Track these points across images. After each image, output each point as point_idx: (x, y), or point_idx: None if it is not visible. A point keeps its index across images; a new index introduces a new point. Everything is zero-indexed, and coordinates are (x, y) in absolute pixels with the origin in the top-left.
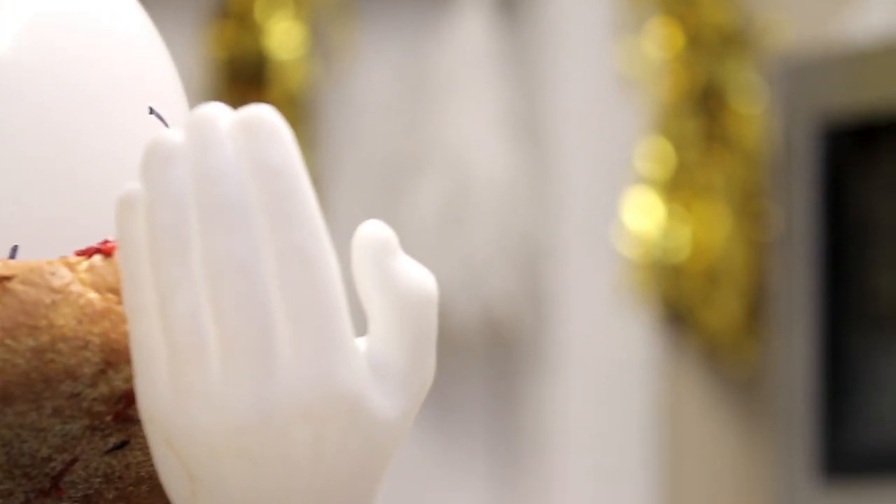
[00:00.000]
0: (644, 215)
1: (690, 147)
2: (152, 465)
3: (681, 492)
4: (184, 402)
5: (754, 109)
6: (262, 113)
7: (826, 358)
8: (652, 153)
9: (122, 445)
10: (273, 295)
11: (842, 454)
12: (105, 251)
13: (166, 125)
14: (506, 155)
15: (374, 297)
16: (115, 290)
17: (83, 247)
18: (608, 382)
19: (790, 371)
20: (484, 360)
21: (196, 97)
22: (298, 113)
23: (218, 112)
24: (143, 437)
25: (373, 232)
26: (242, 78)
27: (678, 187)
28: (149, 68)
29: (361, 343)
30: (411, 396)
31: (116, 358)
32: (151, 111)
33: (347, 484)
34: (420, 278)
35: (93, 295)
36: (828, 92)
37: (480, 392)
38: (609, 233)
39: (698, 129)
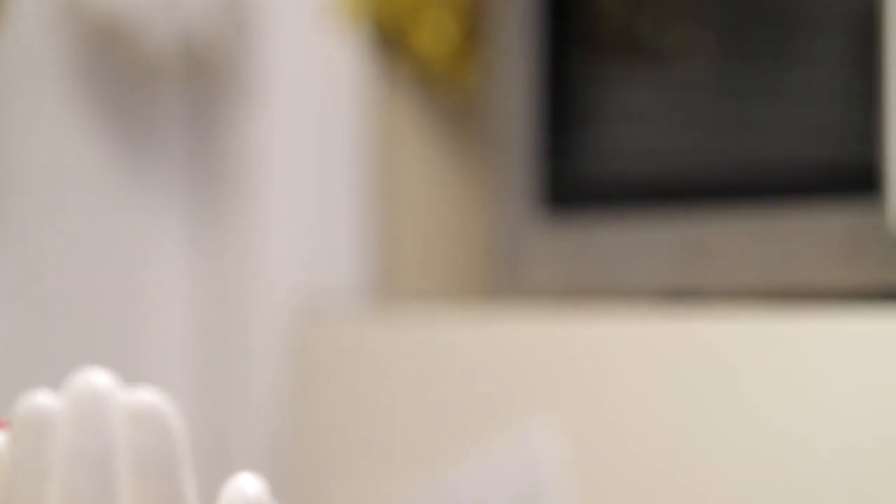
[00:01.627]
0: None
1: None
2: None
3: (395, 224)
4: None
5: None
6: (154, 404)
7: (548, 84)
8: None
9: None
10: None
11: (563, 185)
12: None
13: None
14: None
15: None
16: None
17: None
18: (316, 109)
19: (510, 98)
20: (182, 87)
21: None
22: None
23: (106, 389)
24: None
25: (242, 490)
26: None
27: None
28: None
29: None
30: None
31: None
32: None
33: None
34: None
35: None
36: None
37: (179, 121)
38: None
39: None
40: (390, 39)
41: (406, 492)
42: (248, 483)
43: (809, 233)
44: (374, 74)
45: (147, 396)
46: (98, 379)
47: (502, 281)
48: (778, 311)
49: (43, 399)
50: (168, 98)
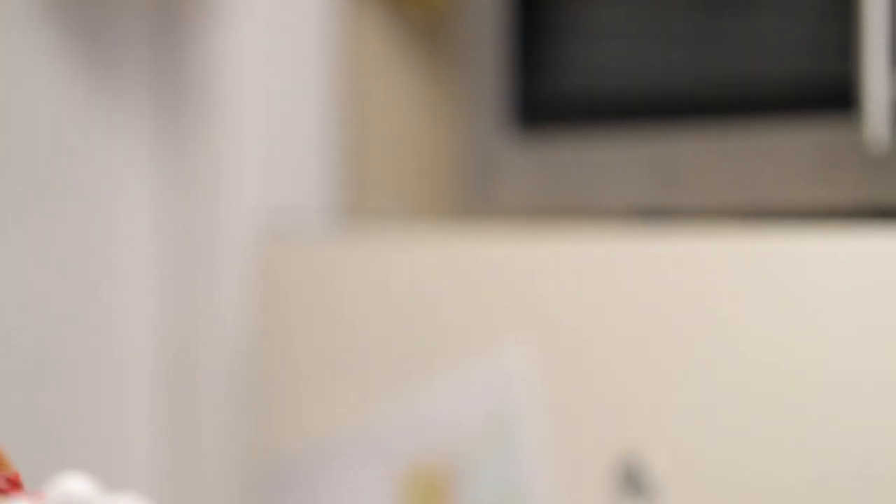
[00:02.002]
0: None
1: None
2: None
3: (364, 142)
4: None
5: None
6: None
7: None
8: None
9: None
10: None
11: (535, 102)
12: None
13: None
14: None
15: None
16: None
17: None
18: (284, 26)
19: (481, 14)
20: (147, 2)
21: None
22: None
23: (86, 499)
24: None
25: None
26: None
27: None
28: None
29: None
30: None
31: None
32: None
33: None
34: None
35: None
36: None
37: (143, 38)
38: None
39: None
40: None
41: (375, 412)
42: None
43: (785, 150)
44: None
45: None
46: (78, 487)
47: (473, 200)
48: (753, 229)
49: None
50: (132, 14)
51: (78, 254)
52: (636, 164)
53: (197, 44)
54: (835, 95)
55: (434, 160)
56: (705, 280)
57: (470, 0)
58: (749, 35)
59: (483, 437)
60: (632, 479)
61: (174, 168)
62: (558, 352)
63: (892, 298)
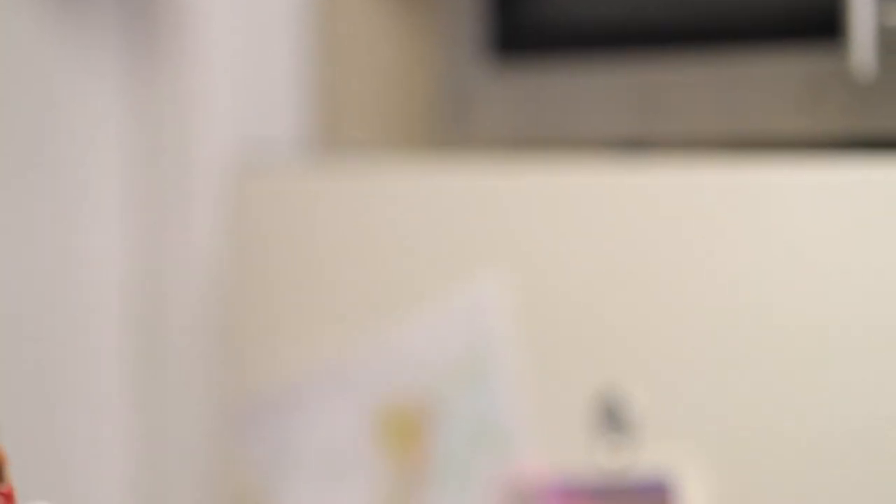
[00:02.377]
0: None
1: None
2: None
3: (339, 71)
4: None
5: None
6: None
7: None
8: None
9: None
10: None
11: (513, 30)
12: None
13: None
14: None
15: None
16: None
17: None
18: None
19: None
20: None
21: None
22: None
23: None
24: None
25: None
26: None
27: None
28: None
29: None
30: None
31: None
32: None
33: None
34: None
35: None
36: None
37: None
38: None
39: None
40: None
41: (350, 347)
42: None
43: (770, 79)
44: None
45: None
46: None
47: (450, 130)
48: (736, 160)
49: None
50: None
51: (47, 188)
52: (617, 94)
53: None
54: (821, 23)
55: (410, 91)
56: (687, 211)
57: None
58: None
59: (459, 371)
60: (611, 415)
61: (146, 100)
62: (537, 285)
63: (877, 228)
